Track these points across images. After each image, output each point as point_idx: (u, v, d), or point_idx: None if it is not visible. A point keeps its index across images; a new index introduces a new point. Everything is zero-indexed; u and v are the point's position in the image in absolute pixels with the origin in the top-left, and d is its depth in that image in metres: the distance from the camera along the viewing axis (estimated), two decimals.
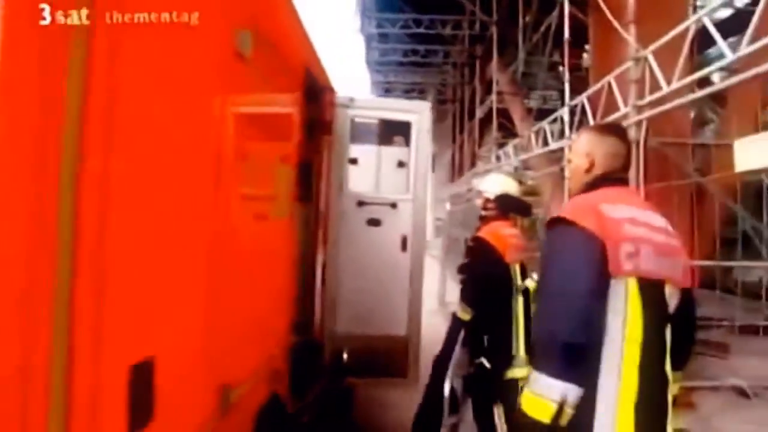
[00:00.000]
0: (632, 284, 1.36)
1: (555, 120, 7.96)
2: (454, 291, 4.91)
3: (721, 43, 4.11)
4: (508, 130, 12.61)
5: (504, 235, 3.08)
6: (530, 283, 2.91)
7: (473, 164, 15.25)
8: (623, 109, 5.42)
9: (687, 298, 1.51)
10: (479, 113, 15.10)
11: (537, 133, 8.92)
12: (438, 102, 23.48)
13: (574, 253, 1.40)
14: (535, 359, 1.41)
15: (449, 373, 3.12)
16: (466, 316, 3.07)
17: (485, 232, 3.12)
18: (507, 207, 3.27)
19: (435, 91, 24.39)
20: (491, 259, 3.01)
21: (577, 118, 7.07)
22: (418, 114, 4.07)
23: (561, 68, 10.05)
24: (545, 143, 8.35)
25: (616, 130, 1.75)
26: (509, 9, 11.97)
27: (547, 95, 12.02)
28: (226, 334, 1.75)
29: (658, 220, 1.50)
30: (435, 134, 23.95)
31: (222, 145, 1.71)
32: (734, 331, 7.21)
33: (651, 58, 4.95)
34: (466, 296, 3.12)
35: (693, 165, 6.70)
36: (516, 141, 10.51)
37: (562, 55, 9.07)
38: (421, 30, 17.73)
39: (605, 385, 1.32)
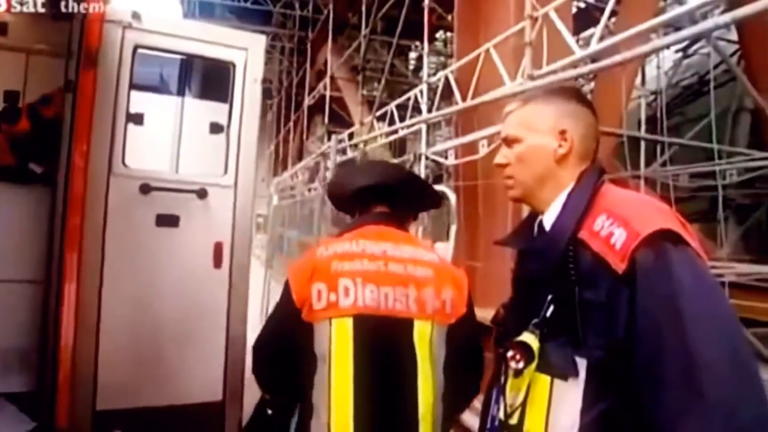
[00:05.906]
0: None
1: (406, 102, 6.69)
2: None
3: None
4: (343, 121, 11.23)
5: (328, 257, 1.39)
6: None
7: (300, 158, 13.59)
8: (510, 84, 4.28)
9: None
10: (309, 100, 13.52)
11: (381, 118, 7.65)
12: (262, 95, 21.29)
13: (721, 296, 0.87)
14: None
15: None
16: None
17: (300, 262, 1.47)
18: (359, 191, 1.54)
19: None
20: (286, 313, 1.42)
21: (437, 100, 5.90)
22: (246, 51, 2.80)
23: (415, 46, 8.99)
24: (392, 133, 7.09)
25: (584, 99, 1.07)
26: None
27: (394, 86, 10.88)
28: None
29: None
30: None
31: None
32: None
33: (554, 16, 3.86)
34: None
35: None
36: (353, 128, 9.15)
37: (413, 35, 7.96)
38: (248, 5, 16.00)
39: None
